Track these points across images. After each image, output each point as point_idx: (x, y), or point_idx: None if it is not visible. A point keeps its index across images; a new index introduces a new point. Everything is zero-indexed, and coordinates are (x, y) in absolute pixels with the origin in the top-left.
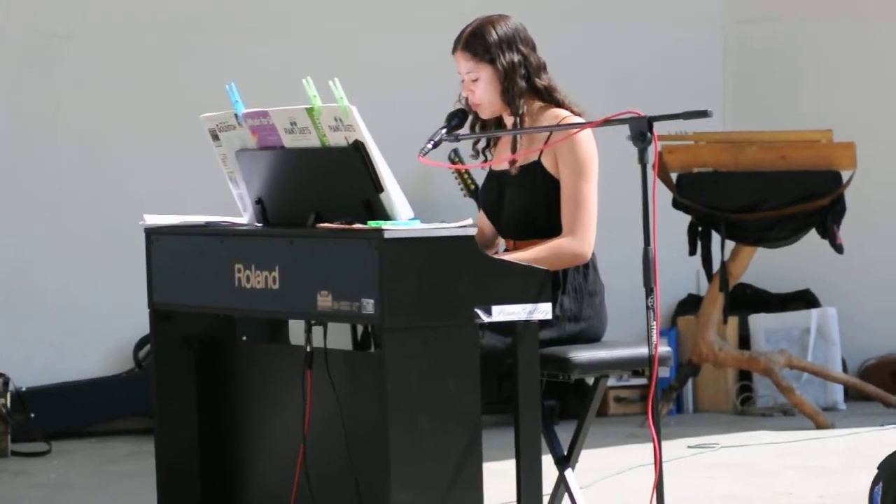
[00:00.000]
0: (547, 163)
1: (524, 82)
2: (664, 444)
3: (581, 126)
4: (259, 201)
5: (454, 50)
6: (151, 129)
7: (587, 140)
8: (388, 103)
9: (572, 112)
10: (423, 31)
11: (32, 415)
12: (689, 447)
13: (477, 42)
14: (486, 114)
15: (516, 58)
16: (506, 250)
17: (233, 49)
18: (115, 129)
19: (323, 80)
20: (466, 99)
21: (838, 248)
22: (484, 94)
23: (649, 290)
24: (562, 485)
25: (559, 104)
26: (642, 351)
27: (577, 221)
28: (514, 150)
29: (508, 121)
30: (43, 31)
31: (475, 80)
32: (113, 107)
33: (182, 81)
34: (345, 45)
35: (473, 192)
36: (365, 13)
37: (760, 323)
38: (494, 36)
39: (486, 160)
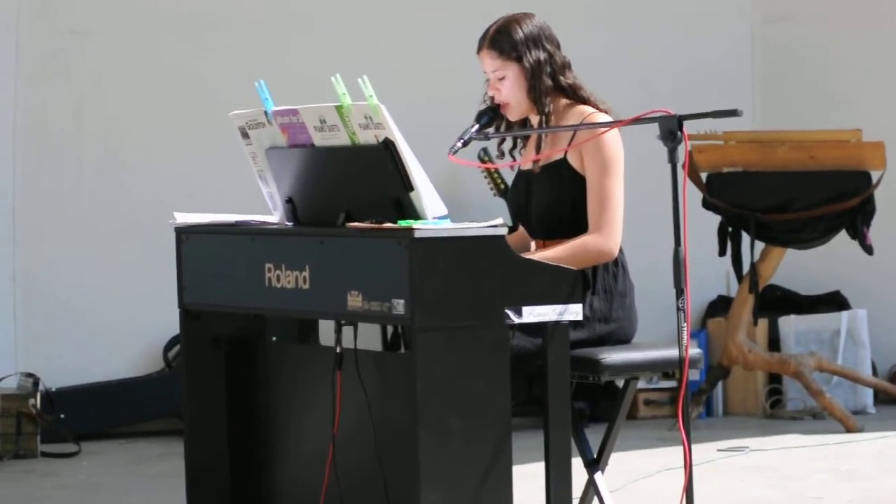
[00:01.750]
0: (573, 161)
1: (550, 80)
2: (694, 447)
3: (611, 125)
4: (289, 200)
5: (479, 49)
6: (174, 127)
7: (613, 138)
8: (417, 102)
9: (598, 109)
10: (452, 29)
11: (62, 415)
12: (719, 450)
13: (503, 40)
14: (513, 114)
15: (542, 55)
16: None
17: (255, 47)
18: (138, 127)
19: (348, 78)
20: (492, 98)
21: (868, 250)
22: (510, 92)
23: (679, 292)
24: (591, 488)
25: (585, 101)
26: (673, 353)
27: (603, 219)
28: (538, 149)
29: (534, 120)
30: (63, 28)
31: (501, 79)
32: (134, 104)
33: (204, 79)
34: (370, 43)
35: (503, 192)
36: (390, 10)
37: (790, 325)
38: (520, 34)
39: (513, 160)
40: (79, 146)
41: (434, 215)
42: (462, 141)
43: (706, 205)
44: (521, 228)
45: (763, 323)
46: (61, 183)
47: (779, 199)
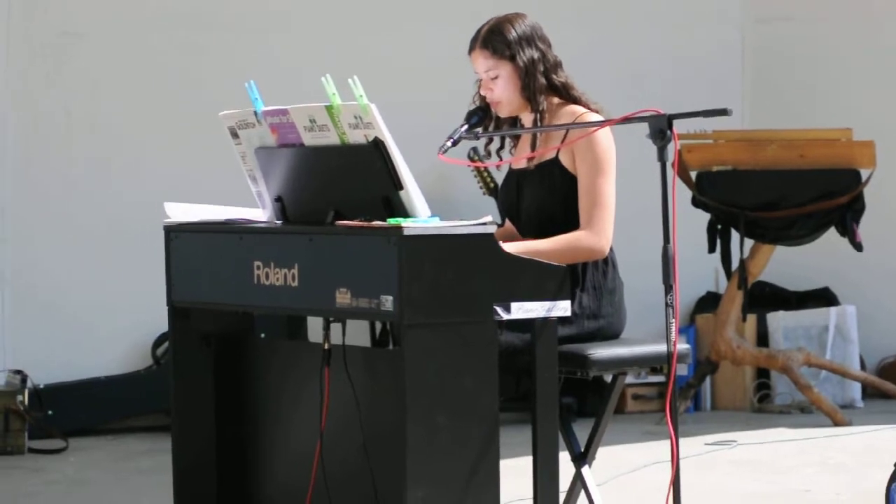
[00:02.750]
0: (565, 160)
1: (543, 79)
2: (681, 441)
3: (601, 124)
4: (279, 199)
5: (471, 49)
6: (164, 127)
7: (605, 136)
8: (407, 102)
9: (589, 108)
10: (442, 28)
11: (50, 412)
12: (707, 444)
13: (496, 39)
14: (504, 112)
15: (535, 54)
16: None
17: (245, 47)
18: (128, 127)
19: (338, 78)
20: (482, 98)
21: (857, 247)
22: (504, 91)
23: (668, 288)
24: (578, 482)
25: (576, 101)
26: (661, 348)
27: (594, 216)
28: (533, 147)
29: (526, 118)
30: (54, 29)
31: (494, 78)
32: (124, 105)
33: (193, 79)
34: (360, 43)
35: (493, 190)
36: (381, 10)
37: (779, 321)
38: (514, 33)
39: (501, 160)
40: (68, 146)
41: (425, 215)
42: (452, 140)
43: (696, 203)
44: (507, 223)
45: (752, 319)
46: (51, 182)
47: (768, 197)
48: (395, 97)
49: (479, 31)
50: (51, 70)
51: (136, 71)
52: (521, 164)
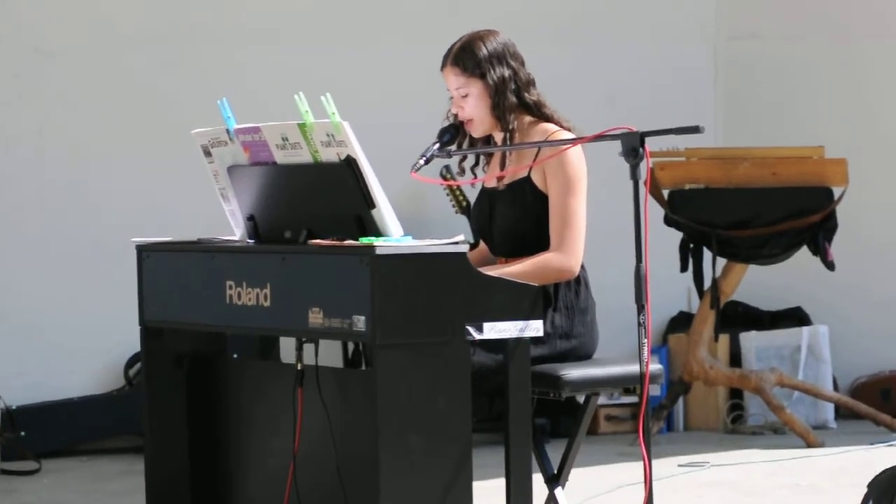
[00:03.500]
0: (536, 178)
1: (514, 97)
2: (654, 462)
3: (574, 141)
4: (251, 217)
5: (443, 66)
6: (136, 146)
7: (576, 156)
8: (379, 120)
9: (561, 127)
10: (416, 47)
11: (23, 433)
12: (680, 465)
13: (467, 57)
14: (476, 130)
15: (506, 72)
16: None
17: (217, 65)
18: (101, 146)
19: (312, 96)
20: (455, 115)
21: (830, 266)
22: (474, 109)
23: (640, 307)
24: (552, 503)
25: (548, 119)
26: (633, 368)
27: (565, 236)
28: (502, 166)
29: (498, 137)
30: (27, 47)
31: (465, 96)
32: (97, 124)
33: (166, 98)
34: (333, 62)
35: (465, 209)
36: (355, 28)
37: (751, 341)
38: (484, 51)
39: (475, 178)
40: (41, 165)
41: (398, 234)
42: (424, 158)
43: (668, 221)
44: (482, 244)
45: (724, 339)
46: (24, 201)
47: (741, 216)
48: (369, 116)
49: (450, 49)
50: (24, 89)
51: (109, 90)
52: (493, 183)
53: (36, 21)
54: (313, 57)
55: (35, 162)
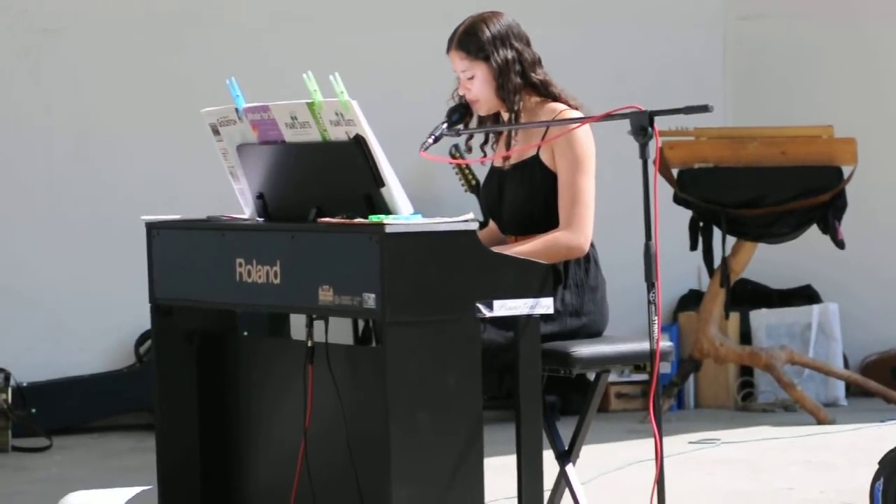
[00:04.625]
0: (545, 157)
1: (519, 78)
2: (665, 439)
3: (582, 120)
4: (260, 196)
5: (448, 49)
6: (145, 124)
7: (584, 134)
8: (388, 99)
9: (569, 105)
10: (424, 27)
11: (33, 410)
12: (690, 443)
13: (470, 40)
14: (483, 110)
15: (510, 54)
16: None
17: (226, 44)
18: (109, 124)
19: (320, 75)
20: (462, 96)
21: (840, 244)
22: (480, 91)
23: (650, 285)
24: (563, 480)
25: (556, 98)
26: (644, 346)
27: (574, 215)
28: (508, 146)
29: (506, 116)
30: (34, 26)
31: (471, 78)
32: (106, 102)
33: (175, 76)
34: (343, 41)
35: (475, 188)
36: (363, 8)
37: (762, 319)
38: (488, 33)
39: (484, 156)
40: (49, 143)
41: (407, 212)
42: (433, 137)
43: (677, 200)
44: (492, 224)
45: (734, 317)
46: (33, 179)
47: (750, 195)
48: (378, 94)
49: (455, 31)
50: (31, 68)
51: (117, 68)
52: (500, 162)
53: (43, 1)
54: (322, 37)
55: (44, 140)
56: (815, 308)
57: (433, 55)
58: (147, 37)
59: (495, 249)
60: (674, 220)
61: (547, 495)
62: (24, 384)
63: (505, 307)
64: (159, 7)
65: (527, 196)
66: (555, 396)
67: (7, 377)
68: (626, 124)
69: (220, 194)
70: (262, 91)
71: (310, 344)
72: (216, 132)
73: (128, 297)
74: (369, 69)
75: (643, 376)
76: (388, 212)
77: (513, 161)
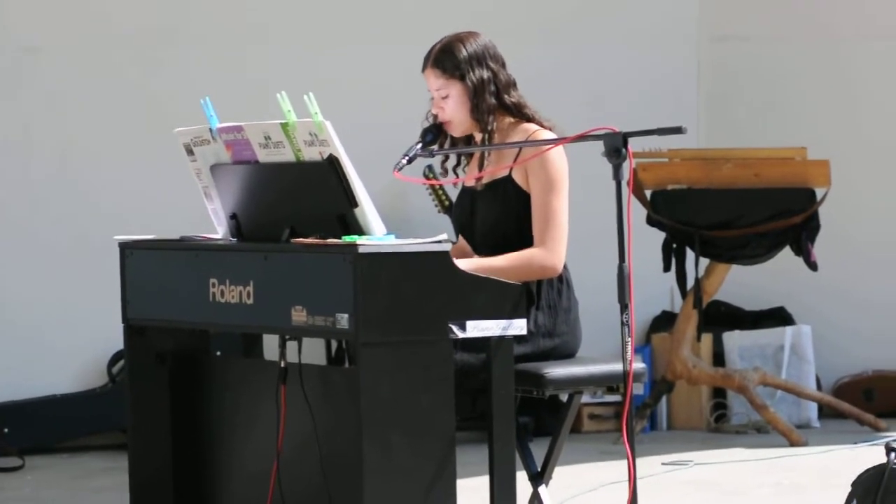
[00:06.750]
0: (518, 177)
1: (493, 99)
2: (638, 461)
3: (556, 142)
4: (234, 216)
5: (424, 67)
6: (123, 143)
7: (558, 155)
8: (362, 119)
9: (542, 126)
10: (398, 47)
11: (6, 429)
12: (663, 464)
13: (446, 59)
14: (456, 131)
15: (486, 74)
16: None
17: (204, 64)
18: (87, 143)
19: (294, 95)
20: (435, 116)
21: (813, 266)
22: (454, 110)
23: (624, 307)
24: (535, 501)
25: (529, 119)
26: (617, 367)
27: (548, 235)
28: (480, 166)
29: (478, 137)
30: (13, 44)
31: (445, 97)
32: (84, 121)
33: (153, 95)
34: (317, 62)
35: (448, 208)
36: (338, 30)
37: (735, 340)
38: (464, 53)
39: (457, 177)
40: (27, 162)
41: (381, 233)
42: (407, 158)
43: (651, 221)
44: (461, 240)
45: (707, 338)
46: (8, 197)
47: (723, 216)
48: (352, 115)
49: (431, 50)
50: (10, 86)
51: (96, 87)
52: (472, 182)
53: (22, 18)
54: (297, 57)
55: (22, 158)
56: (788, 330)
57: (408, 76)
58: (125, 56)
59: (471, 262)
60: (647, 242)
61: None
62: None
63: (478, 328)
64: (137, 26)
65: (499, 215)
66: (528, 417)
67: None
68: (599, 145)
69: (201, 213)
70: (237, 111)
71: (283, 364)
72: (190, 152)
73: (101, 317)
74: (343, 89)
75: (616, 397)
76: (361, 232)
77: (485, 180)
